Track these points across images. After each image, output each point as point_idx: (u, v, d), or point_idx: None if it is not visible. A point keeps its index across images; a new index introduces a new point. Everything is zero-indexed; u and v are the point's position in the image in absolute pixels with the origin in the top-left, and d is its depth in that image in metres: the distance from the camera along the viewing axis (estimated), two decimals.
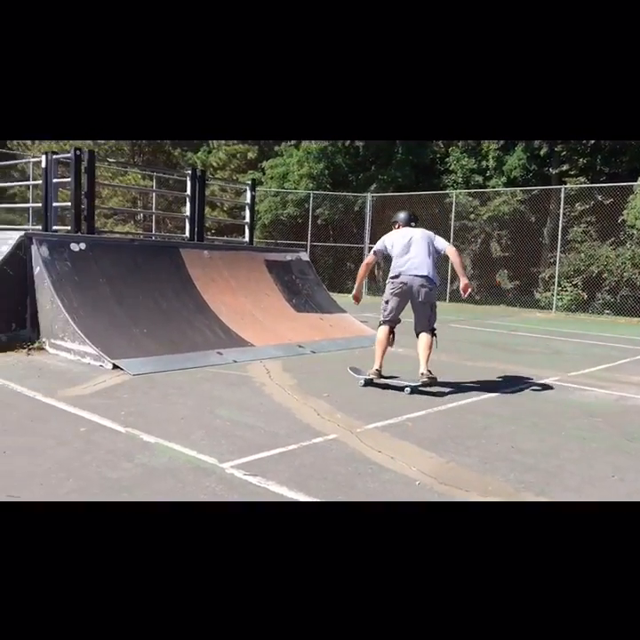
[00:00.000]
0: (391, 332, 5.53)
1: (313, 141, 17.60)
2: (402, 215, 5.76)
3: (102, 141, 17.66)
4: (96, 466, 3.01)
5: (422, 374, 4.95)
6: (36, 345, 5.99)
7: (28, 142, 19.00)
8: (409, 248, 5.35)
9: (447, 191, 16.62)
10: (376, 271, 19.54)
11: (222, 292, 7.42)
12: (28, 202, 14.57)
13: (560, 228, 14.31)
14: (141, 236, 13.61)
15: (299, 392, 4.83)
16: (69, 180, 7.26)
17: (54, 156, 7.52)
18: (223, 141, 19.24)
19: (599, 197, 14.67)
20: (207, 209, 17.30)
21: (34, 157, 12.98)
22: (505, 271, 16.18)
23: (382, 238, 5.58)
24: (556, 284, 14.64)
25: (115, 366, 5.23)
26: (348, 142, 17.48)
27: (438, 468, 3.22)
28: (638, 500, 2.88)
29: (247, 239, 9.73)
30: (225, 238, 14.99)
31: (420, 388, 4.96)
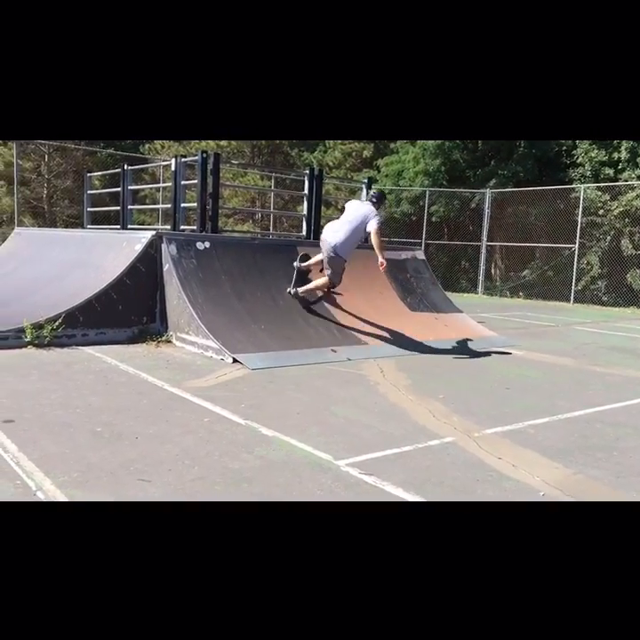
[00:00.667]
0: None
1: None
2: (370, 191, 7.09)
3: (225, 143, 18.46)
4: (218, 455, 3.14)
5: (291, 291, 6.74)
6: (164, 338, 6.38)
7: (159, 147, 20.29)
8: (342, 215, 6.55)
9: (573, 185, 15.67)
10: (493, 270, 18.88)
11: (337, 290, 7.47)
12: (157, 203, 15.58)
13: None
14: (259, 235, 14.10)
15: (413, 392, 4.76)
16: (196, 181, 7.66)
17: (183, 159, 7.96)
18: (339, 140, 19.40)
19: None
20: (323, 208, 17.58)
21: (164, 161, 13.84)
22: (637, 271, 14.97)
23: None
24: None
25: (235, 360, 5.44)
26: None
27: (564, 480, 3.04)
28: None
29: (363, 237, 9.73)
30: None
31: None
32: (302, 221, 8.93)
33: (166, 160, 11.84)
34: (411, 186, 18.04)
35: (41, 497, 2.54)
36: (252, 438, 3.44)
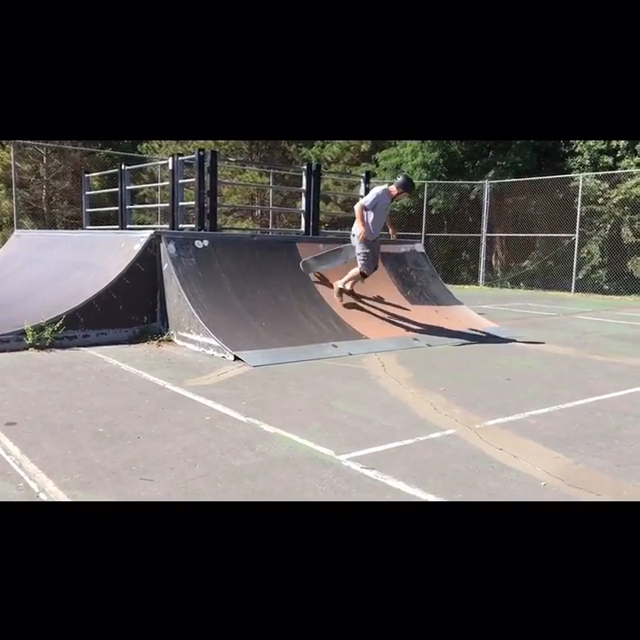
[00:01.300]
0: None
1: None
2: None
3: (222, 141, 18.44)
4: (220, 453, 3.15)
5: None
6: (165, 337, 6.40)
7: (156, 146, 20.27)
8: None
9: (572, 174, 15.63)
10: (494, 261, 18.85)
11: None
12: (156, 202, 15.58)
13: None
14: (259, 232, 14.09)
15: (414, 386, 4.76)
16: (193, 180, 7.65)
17: (180, 158, 7.95)
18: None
19: None
20: (321, 203, 17.54)
21: (161, 160, 13.83)
22: (638, 258, 14.93)
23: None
24: None
25: (236, 358, 5.45)
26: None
27: (566, 469, 3.04)
28: None
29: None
30: (338, 231, 15.13)
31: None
32: (301, 217, 8.93)
33: (164, 159, 11.83)
34: None
35: (43, 498, 2.55)
36: (254, 435, 3.45)
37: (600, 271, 15.39)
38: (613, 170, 15.33)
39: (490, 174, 17.31)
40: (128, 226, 9.45)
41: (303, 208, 8.79)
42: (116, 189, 9.56)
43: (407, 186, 7.04)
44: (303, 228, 8.81)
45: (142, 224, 15.32)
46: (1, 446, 3.15)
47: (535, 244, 17.02)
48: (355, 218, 6.88)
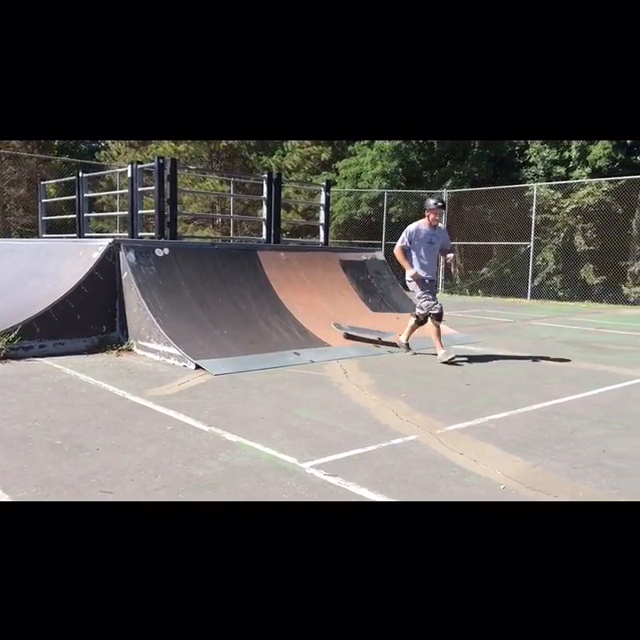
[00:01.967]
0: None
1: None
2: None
3: (182, 148, 18.30)
4: (182, 463, 3.11)
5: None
6: (124, 346, 6.29)
7: (114, 153, 19.97)
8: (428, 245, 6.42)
9: (527, 184, 16.07)
10: (452, 268, 19.17)
11: (298, 293, 7.51)
12: (115, 210, 15.33)
13: None
14: (220, 240, 14.01)
15: (377, 392, 4.80)
16: (153, 188, 7.58)
17: (139, 166, 7.86)
18: (297, 143, 19.44)
19: None
20: (282, 211, 17.55)
21: (120, 168, 13.64)
22: (590, 266, 15.43)
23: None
24: None
25: (197, 367, 5.40)
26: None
27: (524, 473, 3.12)
28: None
29: (322, 240, 9.81)
30: (300, 239, 15.18)
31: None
32: (262, 225, 8.93)
33: (122, 167, 11.67)
34: (369, 188, 18.20)
35: None
36: (216, 445, 3.43)
37: (555, 278, 15.83)
38: (566, 180, 15.83)
39: (448, 183, 17.66)
40: (86, 234, 9.27)
41: (264, 216, 8.79)
42: (74, 197, 9.38)
43: (429, 203, 6.30)
44: (264, 237, 8.81)
45: (100, 232, 15.05)
46: None
47: (492, 251, 17.41)
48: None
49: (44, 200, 10.66)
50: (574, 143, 15.67)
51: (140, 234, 7.76)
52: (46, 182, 11.58)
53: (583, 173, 15.63)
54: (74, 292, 6.23)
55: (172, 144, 18.13)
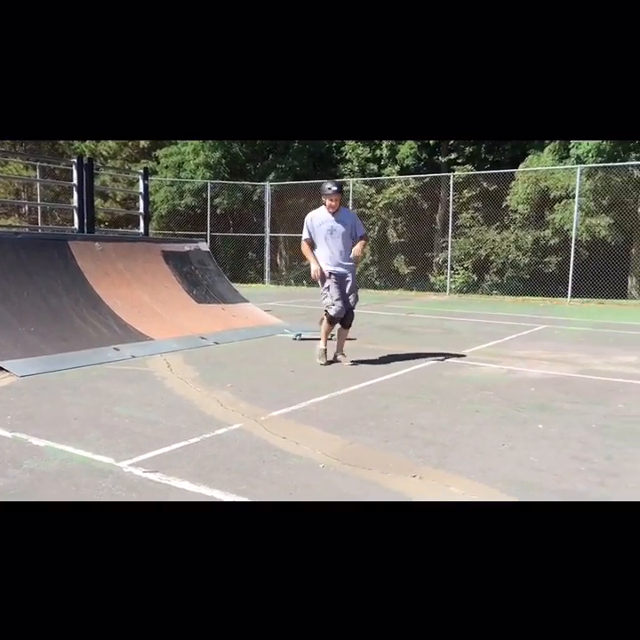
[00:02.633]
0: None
1: None
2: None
3: None
4: None
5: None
6: None
7: None
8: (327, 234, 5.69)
9: (344, 180, 16.88)
10: (278, 260, 19.54)
11: (117, 286, 7.11)
12: None
13: (450, 214, 14.97)
14: (27, 229, 12.76)
15: (201, 384, 4.73)
16: None
17: None
18: None
19: (484, 184, 15.48)
20: (99, 200, 16.50)
21: None
22: (402, 257, 16.70)
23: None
24: (448, 268, 15.33)
25: (0, 368, 4.88)
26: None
27: (342, 450, 3.27)
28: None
29: (142, 230, 9.39)
30: (120, 230, 14.40)
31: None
32: (74, 214, 8.30)
33: None
34: (192, 178, 17.83)
35: None
36: (21, 451, 3.12)
37: (372, 268, 16.89)
38: (378, 176, 16.92)
39: (271, 176, 17.93)
40: None
41: (75, 204, 8.18)
42: None
43: (324, 189, 5.61)
44: (77, 226, 8.20)
45: None
46: None
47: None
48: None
49: None
50: (385, 142, 16.79)
51: None
52: None
53: (393, 171, 16.83)
54: None
55: None
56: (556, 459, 3.18)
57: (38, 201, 15.12)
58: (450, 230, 15.02)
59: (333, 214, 5.58)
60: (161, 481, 2.79)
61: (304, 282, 17.67)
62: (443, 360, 5.96)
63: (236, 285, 10.83)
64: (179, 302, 7.62)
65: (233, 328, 7.39)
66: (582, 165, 13.42)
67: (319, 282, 5.68)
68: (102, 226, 15.15)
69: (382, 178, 16.71)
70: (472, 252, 15.62)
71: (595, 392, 4.69)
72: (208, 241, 15.04)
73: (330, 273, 5.60)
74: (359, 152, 17.21)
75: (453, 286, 15.37)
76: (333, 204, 5.55)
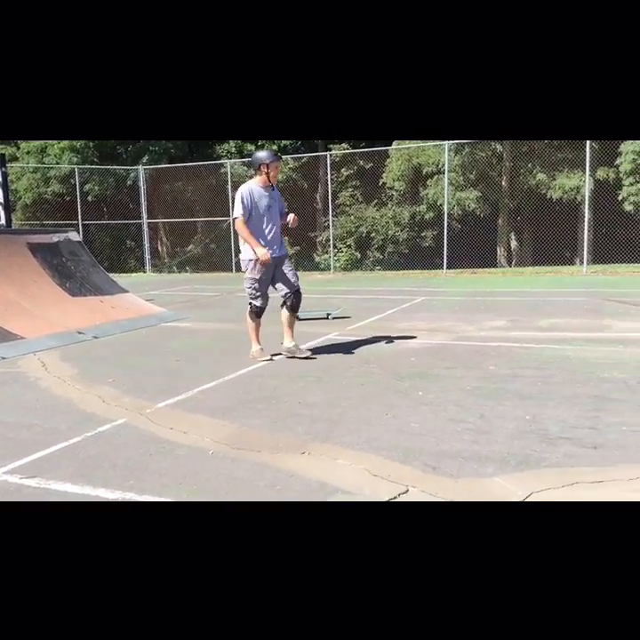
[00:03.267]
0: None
1: None
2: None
3: None
4: None
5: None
6: None
7: None
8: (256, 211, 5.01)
9: (222, 161, 16.59)
10: (159, 247, 18.91)
11: None
12: None
13: (330, 193, 15.22)
14: None
15: (80, 381, 4.51)
16: None
17: None
18: None
19: (361, 162, 15.87)
20: None
21: None
22: (286, 237, 16.77)
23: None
24: (331, 247, 15.62)
25: None
26: None
27: (230, 435, 3.27)
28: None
29: (3, 221, 8.69)
30: None
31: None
32: None
33: None
34: (58, 163, 16.72)
35: None
36: None
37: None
38: None
39: (144, 160, 17.22)
40: None
41: None
42: None
43: (262, 156, 4.91)
44: None
45: None
46: None
47: (197, 228, 17.66)
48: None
49: None
50: None
51: None
52: None
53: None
54: None
55: None
56: (435, 422, 3.38)
57: None
58: (330, 209, 15.28)
59: (272, 188, 4.96)
60: (40, 486, 2.64)
61: (187, 268, 17.28)
62: (329, 337, 6.10)
63: (116, 275, 10.38)
64: (51, 297, 7.16)
65: (113, 320, 7.09)
66: (450, 142, 14.10)
67: (247, 268, 5.01)
68: None
69: None
70: (353, 229, 16.01)
71: (469, 357, 5.02)
72: (80, 230, 14.24)
73: (273, 258, 4.95)
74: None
75: (337, 265, 15.69)
76: (275, 174, 4.93)
